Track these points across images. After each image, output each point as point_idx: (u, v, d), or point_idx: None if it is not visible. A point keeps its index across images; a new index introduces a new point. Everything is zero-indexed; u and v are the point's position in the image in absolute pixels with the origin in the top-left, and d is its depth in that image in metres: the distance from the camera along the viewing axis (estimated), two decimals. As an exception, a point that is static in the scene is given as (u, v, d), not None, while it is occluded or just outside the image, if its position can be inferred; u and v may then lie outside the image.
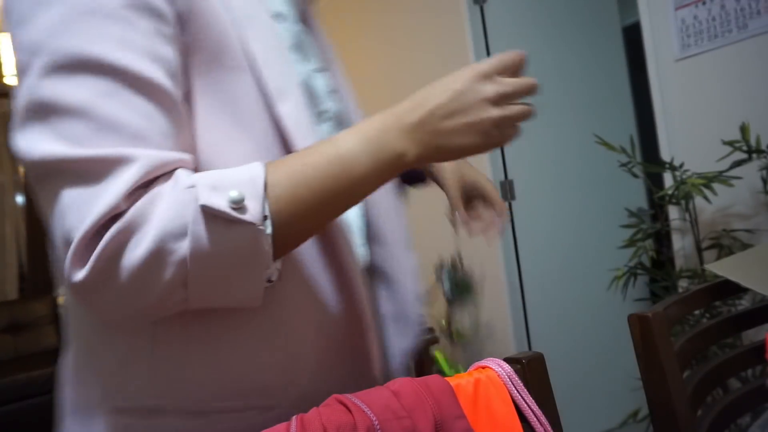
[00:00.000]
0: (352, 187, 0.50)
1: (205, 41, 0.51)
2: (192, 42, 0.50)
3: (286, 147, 0.54)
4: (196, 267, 0.43)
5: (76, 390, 0.69)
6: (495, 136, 0.52)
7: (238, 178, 0.45)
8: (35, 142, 0.43)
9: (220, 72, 0.51)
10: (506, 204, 2.40)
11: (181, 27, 0.49)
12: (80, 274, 0.43)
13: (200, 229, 0.43)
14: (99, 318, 0.55)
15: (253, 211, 0.44)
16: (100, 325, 0.56)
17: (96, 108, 0.43)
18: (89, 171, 0.43)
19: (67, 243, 0.43)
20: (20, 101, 0.44)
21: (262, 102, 0.53)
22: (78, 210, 0.42)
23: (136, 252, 0.42)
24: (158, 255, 0.42)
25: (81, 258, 0.43)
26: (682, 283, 1.72)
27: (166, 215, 0.43)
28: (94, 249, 0.42)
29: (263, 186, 0.45)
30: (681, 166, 1.58)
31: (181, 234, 0.43)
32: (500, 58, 0.52)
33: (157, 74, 0.46)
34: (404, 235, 0.77)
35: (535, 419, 0.64)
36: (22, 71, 0.45)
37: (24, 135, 0.44)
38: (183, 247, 0.43)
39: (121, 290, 0.44)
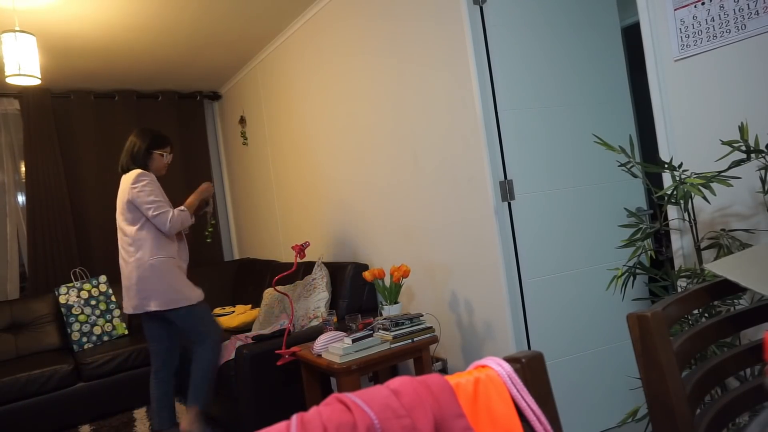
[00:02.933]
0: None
1: None
2: None
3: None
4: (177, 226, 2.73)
5: (155, 252, 2.69)
6: None
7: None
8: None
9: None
10: (506, 204, 2.40)
11: None
12: (168, 231, 2.70)
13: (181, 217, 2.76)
14: (168, 234, 2.75)
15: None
16: (164, 236, 2.74)
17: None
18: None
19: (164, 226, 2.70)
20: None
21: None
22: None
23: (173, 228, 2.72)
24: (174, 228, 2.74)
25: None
26: (681, 283, 1.72)
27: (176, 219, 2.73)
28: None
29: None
30: (680, 166, 1.59)
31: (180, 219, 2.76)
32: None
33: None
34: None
35: (534, 418, 0.64)
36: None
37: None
38: (177, 224, 2.73)
39: (171, 231, 2.71)
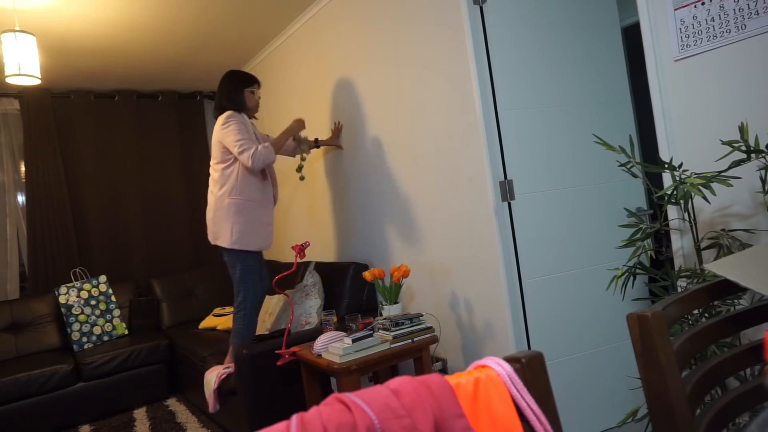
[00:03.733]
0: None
1: None
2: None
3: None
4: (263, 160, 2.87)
5: (235, 193, 2.86)
6: None
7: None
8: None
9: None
10: (506, 204, 2.40)
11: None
12: (252, 166, 2.81)
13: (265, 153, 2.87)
14: (254, 170, 2.88)
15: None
16: (249, 177, 2.91)
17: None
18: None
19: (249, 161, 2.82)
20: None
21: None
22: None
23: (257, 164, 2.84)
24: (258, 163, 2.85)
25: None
26: (681, 283, 1.72)
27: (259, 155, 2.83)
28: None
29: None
30: (680, 165, 1.59)
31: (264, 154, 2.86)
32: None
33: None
34: None
35: (534, 418, 0.64)
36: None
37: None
38: (260, 160, 2.83)
39: (255, 167, 2.83)
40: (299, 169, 3.44)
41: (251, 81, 3.02)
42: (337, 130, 3.49)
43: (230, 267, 2.93)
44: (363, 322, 2.52)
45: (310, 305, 3.10)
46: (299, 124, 3.22)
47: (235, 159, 2.87)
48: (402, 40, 2.83)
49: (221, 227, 2.87)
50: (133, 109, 4.91)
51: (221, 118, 2.86)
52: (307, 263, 3.59)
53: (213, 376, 2.92)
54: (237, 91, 2.95)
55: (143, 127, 4.99)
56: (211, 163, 2.96)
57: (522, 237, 2.40)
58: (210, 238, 2.96)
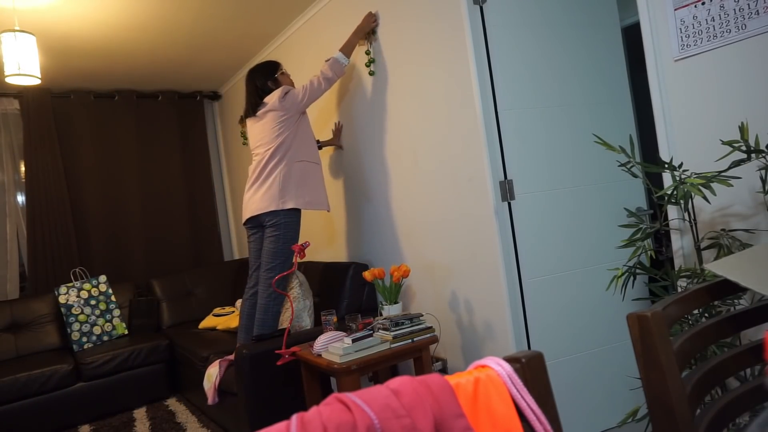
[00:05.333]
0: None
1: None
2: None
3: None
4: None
5: (290, 155, 2.94)
6: None
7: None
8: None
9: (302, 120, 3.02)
10: (506, 204, 2.40)
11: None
12: (324, 88, 3.02)
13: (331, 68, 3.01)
14: (326, 88, 3.02)
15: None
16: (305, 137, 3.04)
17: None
18: None
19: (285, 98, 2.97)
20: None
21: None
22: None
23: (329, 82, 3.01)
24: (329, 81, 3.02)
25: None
26: (681, 283, 1.72)
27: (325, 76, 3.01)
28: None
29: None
30: (680, 165, 1.59)
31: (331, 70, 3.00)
32: None
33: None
34: None
35: (534, 418, 0.64)
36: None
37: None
38: (329, 77, 3.00)
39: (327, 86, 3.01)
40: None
41: (276, 66, 3.09)
42: (337, 131, 3.51)
43: (282, 230, 2.90)
44: (363, 322, 2.52)
45: (301, 308, 3.01)
46: (370, 18, 3.01)
47: (289, 129, 2.93)
48: (402, 39, 2.83)
49: (288, 191, 2.89)
50: (133, 109, 4.91)
51: (274, 96, 2.92)
52: (308, 262, 3.59)
53: (215, 371, 2.93)
54: (272, 81, 3.03)
55: (143, 127, 4.99)
56: (262, 143, 2.97)
57: (522, 237, 2.40)
58: (263, 206, 2.90)
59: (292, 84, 3.11)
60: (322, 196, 3.04)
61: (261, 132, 2.98)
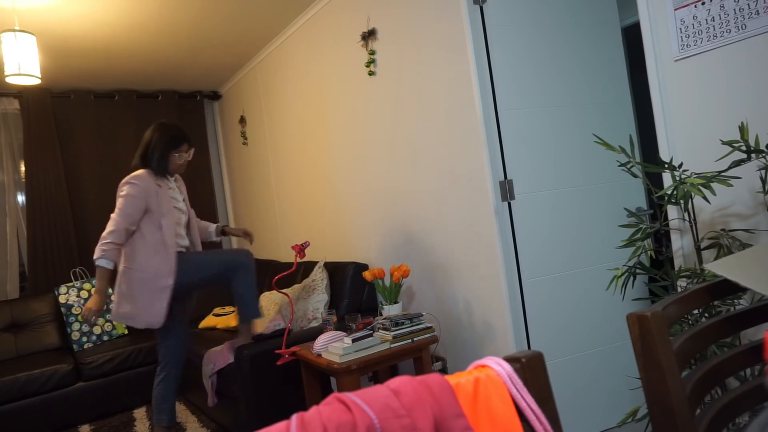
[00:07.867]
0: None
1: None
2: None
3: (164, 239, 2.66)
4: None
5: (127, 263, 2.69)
6: None
7: None
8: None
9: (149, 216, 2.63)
10: (506, 204, 2.40)
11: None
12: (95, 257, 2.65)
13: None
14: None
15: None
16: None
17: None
18: None
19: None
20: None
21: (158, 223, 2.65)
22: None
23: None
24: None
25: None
26: (681, 283, 1.72)
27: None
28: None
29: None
30: (680, 165, 1.59)
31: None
32: None
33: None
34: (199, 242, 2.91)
35: (534, 418, 0.64)
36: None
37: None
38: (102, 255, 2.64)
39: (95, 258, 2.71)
40: None
41: (179, 142, 2.69)
42: (244, 234, 3.01)
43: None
44: (363, 322, 2.52)
45: (318, 300, 3.10)
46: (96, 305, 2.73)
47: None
48: (402, 39, 2.83)
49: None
50: (133, 109, 4.91)
51: (126, 178, 2.59)
52: (308, 262, 3.59)
53: (208, 369, 2.93)
54: (161, 153, 2.64)
55: (143, 126, 4.94)
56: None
57: (522, 237, 2.40)
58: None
59: (181, 169, 2.74)
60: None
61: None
